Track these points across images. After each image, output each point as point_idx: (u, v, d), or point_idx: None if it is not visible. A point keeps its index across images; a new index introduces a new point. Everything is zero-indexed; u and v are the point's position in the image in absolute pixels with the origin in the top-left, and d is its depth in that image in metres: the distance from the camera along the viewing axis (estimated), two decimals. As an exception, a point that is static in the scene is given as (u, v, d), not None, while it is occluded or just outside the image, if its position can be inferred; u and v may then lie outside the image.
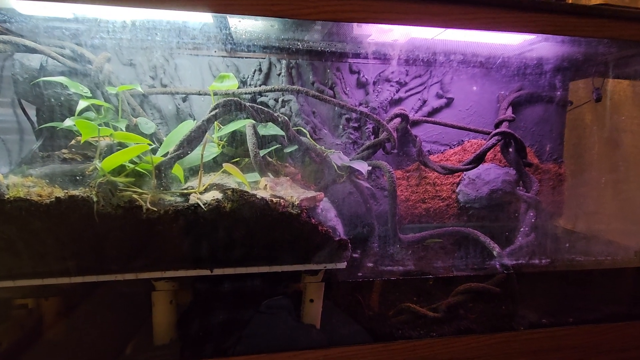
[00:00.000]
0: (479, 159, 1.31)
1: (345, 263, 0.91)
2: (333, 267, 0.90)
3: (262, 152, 1.16)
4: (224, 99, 0.94)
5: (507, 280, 1.05)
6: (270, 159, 1.22)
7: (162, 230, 0.80)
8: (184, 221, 0.80)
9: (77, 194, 0.78)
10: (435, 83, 1.46)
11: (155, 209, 0.82)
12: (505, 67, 1.52)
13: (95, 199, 0.79)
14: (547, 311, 1.05)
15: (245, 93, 1.18)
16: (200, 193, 0.90)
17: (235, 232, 0.81)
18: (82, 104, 1.02)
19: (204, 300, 0.95)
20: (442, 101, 1.51)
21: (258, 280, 0.92)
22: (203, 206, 0.83)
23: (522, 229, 1.21)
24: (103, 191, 0.81)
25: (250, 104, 1.01)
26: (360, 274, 0.97)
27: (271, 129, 1.22)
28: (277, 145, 1.18)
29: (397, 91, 1.42)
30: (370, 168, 1.17)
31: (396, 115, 1.27)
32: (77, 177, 0.88)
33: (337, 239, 0.87)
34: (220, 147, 1.22)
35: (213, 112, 0.92)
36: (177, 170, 0.96)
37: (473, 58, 1.47)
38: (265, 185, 0.96)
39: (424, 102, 1.46)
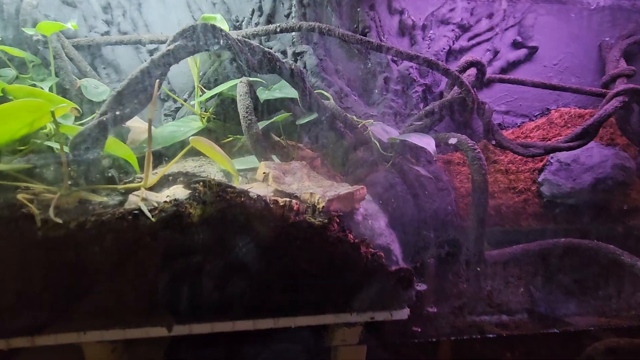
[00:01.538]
0: (590, 132, 0.87)
1: (407, 310, 0.51)
2: (387, 317, 0.51)
3: (261, 124, 0.76)
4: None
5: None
6: (277, 138, 0.83)
7: (76, 258, 0.42)
8: (116, 242, 0.41)
9: None
10: (512, 27, 1.05)
11: (61, 221, 0.44)
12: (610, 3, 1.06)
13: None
14: None
15: (239, 37, 0.77)
16: (149, 189, 0.51)
17: (210, 260, 0.42)
18: (-24, 49, 0.65)
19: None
20: (521, 52, 1.08)
21: (253, 340, 0.53)
22: (148, 213, 0.44)
23: (674, 240, 0.78)
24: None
25: (237, 37, 0.60)
26: (425, 331, 0.54)
27: (277, 91, 0.83)
28: (286, 114, 0.77)
29: (456, 38, 1.01)
30: (455, 140, 0.73)
31: (470, 64, 0.83)
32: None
33: (394, 268, 0.47)
34: (204, 120, 0.83)
35: (170, 47, 0.51)
36: (121, 151, 0.56)
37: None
38: (266, 174, 0.56)
39: (496, 53, 1.03)
